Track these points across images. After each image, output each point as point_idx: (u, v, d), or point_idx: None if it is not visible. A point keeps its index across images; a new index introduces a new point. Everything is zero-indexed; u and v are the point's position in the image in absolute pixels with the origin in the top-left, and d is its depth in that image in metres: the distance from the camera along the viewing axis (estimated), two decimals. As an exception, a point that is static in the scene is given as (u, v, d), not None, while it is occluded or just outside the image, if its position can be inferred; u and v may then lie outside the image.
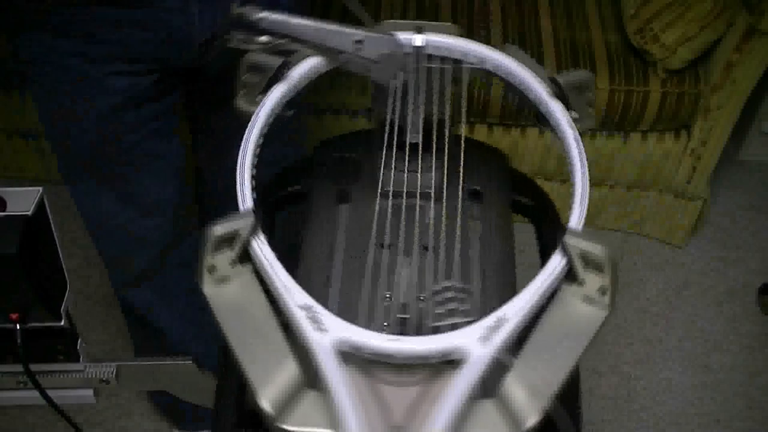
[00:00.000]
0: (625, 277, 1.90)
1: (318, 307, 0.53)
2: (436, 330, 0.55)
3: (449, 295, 0.57)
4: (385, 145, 0.68)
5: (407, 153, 0.69)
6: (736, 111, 1.72)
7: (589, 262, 0.53)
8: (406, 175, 0.71)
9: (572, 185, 0.60)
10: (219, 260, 0.56)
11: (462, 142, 0.72)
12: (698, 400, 1.68)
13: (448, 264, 0.67)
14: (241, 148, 0.63)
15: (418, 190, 0.69)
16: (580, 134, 0.64)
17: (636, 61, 1.73)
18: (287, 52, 0.66)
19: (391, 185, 0.71)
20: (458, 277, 0.66)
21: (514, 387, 0.49)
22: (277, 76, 0.66)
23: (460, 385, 0.49)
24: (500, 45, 0.68)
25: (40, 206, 0.62)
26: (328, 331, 0.51)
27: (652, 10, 1.67)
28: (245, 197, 0.60)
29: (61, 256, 0.66)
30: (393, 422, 0.49)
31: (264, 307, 0.54)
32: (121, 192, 1.13)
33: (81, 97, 1.01)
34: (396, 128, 0.68)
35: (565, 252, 0.54)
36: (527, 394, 0.49)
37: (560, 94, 0.65)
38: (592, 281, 0.53)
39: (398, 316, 0.60)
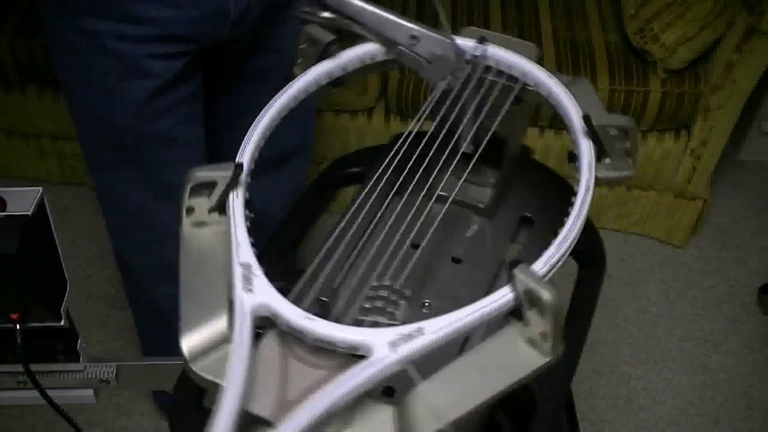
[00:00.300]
0: (625, 277, 1.90)
1: (255, 269, 0.53)
2: (359, 323, 0.55)
3: (383, 293, 0.57)
4: (436, 149, 0.67)
5: (456, 160, 0.68)
6: (736, 111, 1.72)
7: (534, 302, 0.50)
8: (446, 181, 0.70)
9: (563, 225, 0.57)
10: (197, 204, 0.57)
11: (492, 150, 0.70)
12: (698, 400, 1.68)
13: (468, 278, 0.66)
14: (266, 106, 0.63)
15: (451, 197, 0.68)
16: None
17: (636, 61, 1.73)
18: (347, 33, 0.67)
19: (436, 189, 0.71)
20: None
21: (416, 401, 0.48)
22: (326, 52, 0.67)
23: (350, 378, 0.48)
24: (573, 77, 0.66)
25: (40, 206, 0.62)
26: (253, 293, 0.52)
27: (652, 10, 1.67)
28: (244, 151, 0.60)
29: (61, 256, 0.66)
30: (285, 397, 0.49)
31: (222, 261, 0.55)
32: (150, 181, 1.13)
33: (118, 81, 1.01)
34: (456, 135, 0.67)
35: (513, 286, 0.52)
36: (426, 412, 0.48)
37: (591, 134, 0.62)
38: (536, 324, 0.50)
39: (319, 298, 0.60)
